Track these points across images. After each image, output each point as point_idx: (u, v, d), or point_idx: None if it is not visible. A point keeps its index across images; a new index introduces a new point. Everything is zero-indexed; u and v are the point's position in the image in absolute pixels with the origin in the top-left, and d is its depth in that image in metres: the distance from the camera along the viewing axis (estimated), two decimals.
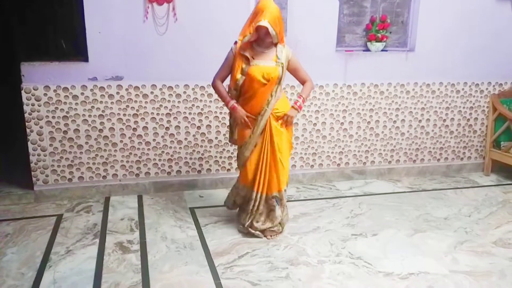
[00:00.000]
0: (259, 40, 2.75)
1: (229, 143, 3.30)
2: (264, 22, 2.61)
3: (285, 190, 3.00)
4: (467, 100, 4.28)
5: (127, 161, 3.66)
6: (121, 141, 3.61)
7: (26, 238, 2.98)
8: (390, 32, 4.01)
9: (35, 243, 2.91)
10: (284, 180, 2.96)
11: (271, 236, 3.01)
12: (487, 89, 4.30)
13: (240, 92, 2.87)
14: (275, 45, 2.80)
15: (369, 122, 4.09)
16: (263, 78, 2.76)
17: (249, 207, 2.99)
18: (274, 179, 2.92)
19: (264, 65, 2.77)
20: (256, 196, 2.95)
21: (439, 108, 4.22)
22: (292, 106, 2.90)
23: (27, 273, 2.57)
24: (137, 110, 3.58)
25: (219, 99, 3.08)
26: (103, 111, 3.51)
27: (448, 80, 4.17)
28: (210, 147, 3.79)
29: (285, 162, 2.93)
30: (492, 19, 4.11)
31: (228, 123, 3.23)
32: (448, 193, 3.93)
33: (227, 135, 3.79)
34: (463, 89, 4.24)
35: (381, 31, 3.91)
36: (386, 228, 3.21)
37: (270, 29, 2.64)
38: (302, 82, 2.99)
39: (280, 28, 2.73)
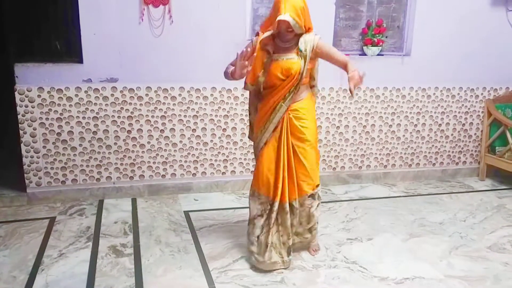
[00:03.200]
0: (281, 34, 2.53)
1: (249, 139, 2.98)
2: (284, 16, 2.38)
3: (310, 195, 2.68)
4: (463, 105, 4.29)
5: (121, 164, 3.63)
6: (115, 144, 3.58)
7: (18, 241, 2.94)
8: (386, 37, 4.02)
9: (27, 246, 2.87)
10: (311, 182, 2.66)
11: (314, 250, 2.83)
12: (482, 94, 4.32)
13: (261, 92, 2.67)
14: (299, 36, 2.55)
15: (364, 126, 4.09)
16: (282, 74, 2.52)
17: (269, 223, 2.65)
18: (300, 182, 2.64)
19: (285, 59, 2.53)
20: (273, 204, 2.63)
21: (435, 112, 4.23)
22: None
23: (19, 276, 2.54)
24: (132, 113, 3.55)
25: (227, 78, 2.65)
26: (97, 113, 3.49)
27: (444, 84, 4.18)
28: (205, 150, 3.78)
29: (307, 162, 2.63)
30: (487, 24, 4.13)
31: (248, 122, 2.96)
32: (443, 197, 3.93)
33: (222, 138, 3.78)
34: (458, 94, 4.25)
35: (377, 35, 3.91)
36: (381, 232, 3.20)
37: (293, 23, 2.41)
38: (344, 66, 2.57)
39: (306, 17, 2.50)
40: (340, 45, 3.99)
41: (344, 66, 2.56)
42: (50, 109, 3.39)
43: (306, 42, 2.53)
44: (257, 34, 2.64)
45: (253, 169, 3.88)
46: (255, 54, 2.55)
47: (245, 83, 2.64)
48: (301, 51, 2.52)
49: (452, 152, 4.41)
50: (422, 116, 4.21)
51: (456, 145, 4.40)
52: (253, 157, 3.84)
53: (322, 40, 2.59)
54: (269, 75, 2.56)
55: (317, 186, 2.73)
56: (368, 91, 4.01)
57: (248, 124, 2.94)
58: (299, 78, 2.53)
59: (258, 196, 2.69)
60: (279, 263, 2.64)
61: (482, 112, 4.36)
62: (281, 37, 2.55)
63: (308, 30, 2.58)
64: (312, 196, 2.70)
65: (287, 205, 2.64)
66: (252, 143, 2.89)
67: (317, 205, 2.75)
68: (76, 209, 3.46)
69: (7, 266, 2.64)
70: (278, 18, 2.41)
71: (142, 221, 3.28)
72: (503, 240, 3.14)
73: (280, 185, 2.61)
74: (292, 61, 2.52)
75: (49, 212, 3.40)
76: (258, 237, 2.67)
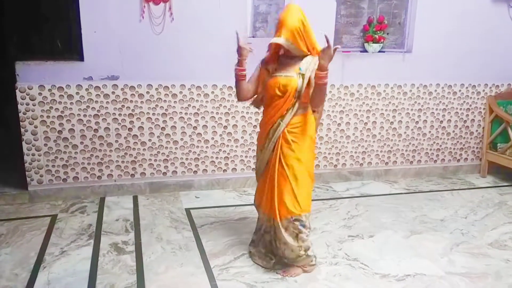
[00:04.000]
0: (284, 53, 2.52)
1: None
2: (277, 39, 2.39)
3: (306, 216, 2.54)
4: (464, 101, 4.28)
5: (123, 161, 3.64)
6: (117, 141, 3.58)
7: (20, 238, 2.95)
8: (388, 33, 4.00)
9: (29, 244, 2.88)
10: (304, 203, 2.52)
11: (310, 266, 2.63)
12: (483, 90, 4.31)
13: (263, 109, 2.67)
14: (303, 56, 2.51)
15: (366, 123, 4.09)
16: (279, 90, 2.48)
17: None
18: (289, 201, 2.49)
19: (283, 76, 2.49)
20: (270, 221, 2.60)
21: (436, 109, 4.22)
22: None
23: (21, 274, 2.55)
24: (133, 110, 3.55)
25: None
26: (98, 110, 3.49)
27: (445, 81, 4.17)
28: (206, 147, 3.78)
29: (300, 181, 2.50)
30: (489, 21, 4.11)
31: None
32: (445, 194, 3.93)
33: (223, 136, 3.78)
34: (460, 90, 4.24)
35: (378, 32, 3.90)
36: (382, 229, 3.20)
37: (286, 45, 2.40)
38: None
39: (306, 39, 2.45)
40: (341, 42, 3.98)
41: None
42: (51, 107, 3.40)
43: (309, 63, 2.49)
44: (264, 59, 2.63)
45: (254, 167, 3.89)
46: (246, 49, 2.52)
47: (254, 100, 2.69)
48: (300, 69, 2.48)
49: (454, 149, 4.40)
50: (423, 113, 4.20)
51: (458, 142, 4.39)
52: (254, 154, 3.86)
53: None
54: (266, 89, 2.55)
55: (305, 212, 2.53)
56: (369, 88, 4.00)
57: (256, 124, 2.95)
58: (296, 96, 2.48)
59: (262, 214, 2.69)
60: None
61: (484, 108, 4.35)
62: (287, 53, 2.51)
63: (312, 50, 2.52)
64: (298, 220, 2.51)
65: (279, 224, 2.52)
66: (256, 141, 2.85)
67: (306, 235, 2.55)
68: (78, 206, 3.47)
69: (9, 263, 2.65)
70: (271, 41, 2.44)
71: (144, 219, 3.28)
72: (504, 236, 3.14)
73: (274, 202, 2.52)
74: (290, 78, 2.48)
75: (50, 210, 3.41)
76: (263, 251, 2.71)
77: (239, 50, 2.51)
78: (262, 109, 2.69)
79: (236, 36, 2.49)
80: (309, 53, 2.51)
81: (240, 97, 2.63)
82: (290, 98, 2.48)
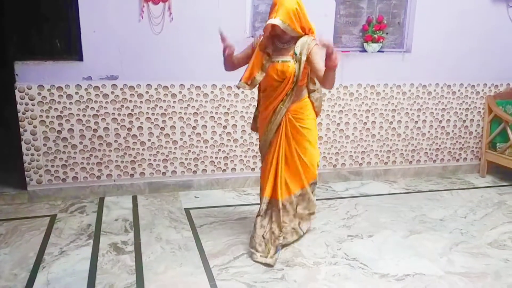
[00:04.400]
0: (278, 35, 2.54)
1: (251, 131, 3.11)
2: (274, 20, 2.41)
3: (311, 184, 2.86)
4: (463, 101, 4.29)
5: (122, 161, 3.63)
6: (116, 141, 3.58)
7: (19, 238, 2.94)
8: (387, 33, 4.00)
9: (28, 244, 2.88)
10: (308, 176, 2.81)
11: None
12: (483, 90, 4.31)
13: (259, 89, 2.77)
14: (298, 38, 2.56)
15: (365, 123, 4.09)
16: (277, 76, 2.56)
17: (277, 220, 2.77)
18: (296, 178, 2.77)
19: (281, 61, 2.56)
20: (270, 202, 2.77)
21: (435, 109, 4.23)
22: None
23: (20, 274, 2.55)
24: (132, 110, 3.55)
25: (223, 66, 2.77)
26: (97, 110, 3.49)
27: (444, 81, 4.17)
28: (206, 147, 3.77)
29: (307, 159, 2.74)
30: (488, 21, 4.12)
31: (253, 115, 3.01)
32: (444, 194, 3.93)
33: (223, 136, 3.78)
34: (459, 90, 4.24)
35: (377, 32, 3.90)
36: (382, 229, 3.20)
37: (283, 26, 2.42)
38: (320, 79, 2.51)
39: (301, 20, 2.50)
40: (340, 41, 3.98)
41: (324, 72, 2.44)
42: (50, 107, 3.39)
43: (303, 45, 2.54)
44: (260, 36, 2.66)
45: (253, 166, 3.89)
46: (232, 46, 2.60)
47: (240, 80, 2.63)
48: (296, 54, 2.53)
49: (453, 148, 4.40)
50: (422, 113, 4.21)
51: (457, 141, 4.40)
52: (253, 154, 3.87)
53: (318, 48, 2.52)
54: (266, 76, 2.60)
55: (315, 178, 2.88)
56: (368, 88, 4.00)
57: (252, 116, 3.02)
58: (294, 81, 2.56)
59: (260, 197, 2.84)
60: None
61: (483, 108, 4.35)
62: (278, 38, 2.57)
63: (308, 31, 2.58)
64: (313, 184, 2.88)
65: (279, 203, 2.74)
66: (255, 141, 2.94)
67: (313, 191, 2.92)
68: (77, 206, 3.47)
69: (8, 264, 2.64)
70: (268, 22, 2.46)
71: (143, 219, 3.28)
72: (503, 236, 3.14)
73: (278, 183, 2.72)
74: (287, 64, 2.55)
75: (49, 209, 3.41)
76: (263, 236, 2.77)
77: (224, 48, 2.57)
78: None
79: (220, 36, 2.54)
80: (304, 33, 2.56)
81: (228, 67, 2.75)
82: (289, 84, 2.57)
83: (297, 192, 2.82)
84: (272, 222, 2.78)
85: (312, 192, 2.90)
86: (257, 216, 2.79)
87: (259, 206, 2.83)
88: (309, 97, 2.76)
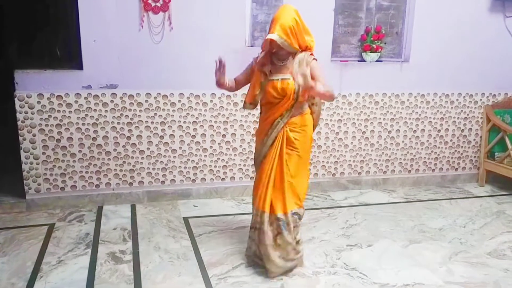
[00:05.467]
0: (275, 53, 2.57)
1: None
2: (271, 35, 2.45)
3: (294, 214, 2.63)
4: (462, 110, 4.30)
5: (121, 170, 3.63)
6: (115, 150, 3.58)
7: (17, 247, 2.93)
8: (385, 43, 4.03)
9: (26, 253, 2.86)
10: (291, 201, 2.61)
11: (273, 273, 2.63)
12: (481, 100, 4.33)
13: (261, 102, 2.74)
14: (295, 55, 2.59)
15: (364, 132, 4.10)
16: (277, 94, 2.57)
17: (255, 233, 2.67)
18: (279, 198, 2.60)
19: (280, 79, 2.56)
20: (258, 214, 2.64)
21: (434, 118, 4.24)
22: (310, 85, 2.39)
23: (18, 283, 2.53)
24: (131, 119, 3.56)
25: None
26: (97, 119, 3.49)
27: (443, 90, 4.19)
28: (205, 156, 3.77)
29: (294, 180, 2.62)
30: (486, 31, 4.15)
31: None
32: (443, 203, 3.93)
33: (222, 145, 3.78)
34: (457, 99, 4.26)
35: (376, 41, 3.93)
36: (381, 238, 3.19)
37: (280, 41, 2.44)
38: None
39: (298, 36, 2.52)
40: (339, 51, 4.00)
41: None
42: (49, 116, 3.40)
43: (301, 61, 2.58)
44: (257, 57, 2.70)
45: (252, 175, 3.89)
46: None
47: (245, 102, 2.72)
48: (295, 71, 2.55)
49: (452, 158, 4.41)
50: (421, 122, 4.22)
51: (456, 151, 4.41)
52: (252, 163, 3.86)
53: (316, 63, 2.60)
54: (265, 94, 2.63)
55: (300, 207, 2.67)
56: (367, 97, 4.02)
57: (253, 132, 3.06)
58: (295, 98, 2.57)
59: (253, 209, 2.74)
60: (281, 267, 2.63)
61: (481, 118, 4.37)
62: (276, 55, 2.60)
63: (305, 48, 2.61)
64: (295, 215, 2.64)
65: (272, 217, 2.60)
66: (254, 150, 2.91)
67: (294, 228, 2.65)
68: (75, 215, 3.46)
69: (6, 273, 2.63)
70: (265, 38, 2.51)
71: (141, 228, 3.27)
72: (503, 246, 3.13)
73: (268, 197, 2.61)
74: (287, 82, 2.56)
75: (48, 218, 3.39)
76: (254, 251, 2.72)
77: (216, 75, 2.61)
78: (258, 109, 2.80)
79: (215, 64, 2.57)
80: (300, 50, 2.59)
81: (231, 90, 2.79)
82: (290, 101, 2.58)
83: (280, 215, 2.59)
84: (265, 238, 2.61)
85: (290, 228, 2.59)
86: (250, 228, 2.74)
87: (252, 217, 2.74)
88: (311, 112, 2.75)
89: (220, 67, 2.57)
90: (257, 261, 2.73)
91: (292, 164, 2.63)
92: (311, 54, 2.63)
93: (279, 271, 2.63)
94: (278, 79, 2.58)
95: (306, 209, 3.66)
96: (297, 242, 2.70)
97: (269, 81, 2.59)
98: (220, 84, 2.65)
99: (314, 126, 2.82)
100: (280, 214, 2.59)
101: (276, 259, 2.59)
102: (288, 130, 2.63)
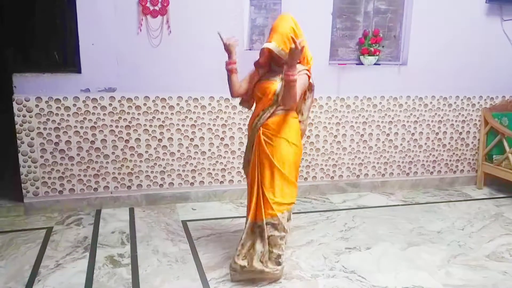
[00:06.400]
0: (274, 59, 2.57)
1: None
2: (268, 44, 2.47)
3: (267, 222, 2.51)
4: (459, 113, 4.31)
5: (119, 173, 3.63)
6: (113, 153, 3.58)
7: (15, 251, 2.92)
8: (383, 46, 4.04)
9: (24, 257, 2.85)
10: (274, 205, 2.51)
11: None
12: (478, 103, 4.34)
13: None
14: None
15: (362, 135, 4.10)
16: (259, 92, 2.61)
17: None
18: (260, 204, 2.53)
19: (268, 80, 2.60)
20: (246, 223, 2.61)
21: (432, 121, 4.25)
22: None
23: (15, 287, 2.52)
24: (130, 122, 3.56)
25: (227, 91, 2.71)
26: (95, 122, 3.49)
27: (440, 93, 4.20)
28: (203, 159, 3.77)
29: (267, 187, 2.53)
30: (483, 34, 4.16)
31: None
32: (441, 206, 3.93)
33: (220, 148, 3.78)
34: (455, 102, 4.27)
35: (373, 45, 3.94)
36: (379, 241, 3.19)
37: (276, 50, 2.46)
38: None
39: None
40: (337, 54, 4.01)
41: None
42: (48, 119, 3.39)
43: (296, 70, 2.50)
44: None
45: None
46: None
47: (242, 99, 2.77)
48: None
49: (450, 160, 4.42)
50: (419, 125, 4.23)
51: (454, 153, 4.41)
52: None
53: (305, 77, 2.53)
54: (252, 93, 2.69)
55: (283, 210, 2.54)
56: (365, 100, 4.02)
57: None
58: (274, 99, 2.54)
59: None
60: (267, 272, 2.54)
61: (479, 120, 4.38)
62: (274, 61, 2.61)
63: (303, 60, 2.57)
64: (269, 225, 2.52)
65: (255, 225, 2.56)
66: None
67: (280, 237, 2.55)
68: (74, 219, 3.45)
69: (3, 277, 2.62)
70: (263, 46, 2.53)
71: (140, 231, 3.26)
72: (501, 248, 3.14)
73: (252, 204, 2.57)
74: (271, 82, 2.59)
75: (46, 222, 3.38)
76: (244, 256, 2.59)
77: (226, 47, 2.59)
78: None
79: (219, 37, 2.57)
80: (298, 61, 2.51)
81: (232, 93, 2.67)
82: (268, 99, 2.56)
83: (258, 221, 2.53)
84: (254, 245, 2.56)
85: (266, 235, 2.48)
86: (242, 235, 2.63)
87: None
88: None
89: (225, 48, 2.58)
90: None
91: (266, 175, 2.53)
92: (308, 70, 2.58)
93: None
94: (267, 79, 2.62)
95: (305, 212, 3.69)
96: (271, 253, 2.55)
97: (259, 81, 2.65)
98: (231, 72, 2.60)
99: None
100: (259, 222, 2.53)
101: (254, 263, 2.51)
102: (261, 133, 2.57)
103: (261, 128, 2.58)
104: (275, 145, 2.54)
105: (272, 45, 2.47)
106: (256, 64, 2.67)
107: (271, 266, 2.54)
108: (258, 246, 2.52)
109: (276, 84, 2.56)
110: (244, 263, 2.54)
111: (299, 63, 2.56)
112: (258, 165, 2.58)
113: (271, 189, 2.53)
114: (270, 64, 2.65)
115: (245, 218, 3.39)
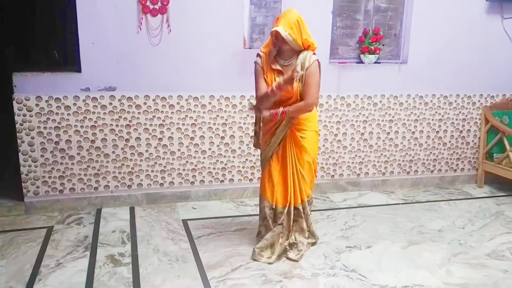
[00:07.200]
0: (280, 52, 2.67)
1: (254, 148, 3.24)
2: (277, 27, 2.56)
3: (307, 201, 2.90)
4: (460, 112, 4.31)
5: (119, 172, 3.62)
6: (113, 152, 3.58)
7: (15, 250, 2.92)
8: (383, 45, 4.04)
9: (24, 256, 2.85)
10: (303, 192, 2.85)
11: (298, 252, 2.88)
12: (479, 101, 4.34)
13: None
14: (298, 54, 2.68)
15: (362, 134, 4.10)
16: (283, 96, 2.65)
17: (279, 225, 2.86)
18: (296, 191, 2.83)
19: (282, 67, 2.69)
20: (281, 210, 2.85)
21: (432, 119, 4.25)
22: (276, 112, 2.65)
23: (16, 286, 2.52)
24: (130, 121, 3.55)
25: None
26: (95, 121, 3.49)
27: (441, 92, 4.20)
28: (204, 158, 3.77)
29: (305, 173, 2.82)
30: (483, 32, 4.16)
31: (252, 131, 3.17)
32: (442, 205, 3.93)
33: (221, 147, 3.78)
34: (455, 101, 4.27)
35: (374, 43, 3.94)
36: (380, 240, 3.19)
37: (284, 34, 2.55)
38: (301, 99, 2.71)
39: (302, 32, 2.61)
40: (337, 53, 4.01)
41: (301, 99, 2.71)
42: (48, 118, 3.39)
43: (304, 60, 2.66)
44: (258, 55, 2.76)
45: (251, 177, 3.89)
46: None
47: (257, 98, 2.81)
48: (298, 72, 2.62)
49: (450, 159, 4.42)
50: (419, 123, 4.22)
51: (454, 152, 4.41)
52: (251, 165, 3.87)
53: (316, 67, 2.68)
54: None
55: (303, 200, 2.89)
56: (365, 99, 4.02)
57: (253, 132, 3.06)
58: (299, 99, 2.70)
59: (263, 201, 2.89)
60: (266, 258, 2.84)
61: (480, 119, 4.37)
62: (280, 54, 2.67)
63: (308, 47, 2.69)
64: (308, 202, 2.93)
65: (291, 209, 2.83)
66: (253, 152, 2.99)
67: (307, 213, 2.95)
68: (74, 218, 3.45)
69: (4, 276, 2.62)
70: (271, 30, 2.61)
71: (140, 230, 3.26)
72: (502, 247, 3.14)
73: (289, 191, 2.82)
74: (289, 79, 2.59)
75: (46, 221, 3.39)
76: (264, 236, 2.89)
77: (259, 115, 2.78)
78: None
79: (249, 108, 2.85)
80: (303, 48, 2.67)
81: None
82: (295, 101, 2.69)
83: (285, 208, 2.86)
84: (283, 228, 2.87)
85: (292, 218, 2.87)
86: (263, 218, 2.92)
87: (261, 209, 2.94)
88: None
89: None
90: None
91: (305, 166, 2.81)
92: (314, 54, 2.70)
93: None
94: (280, 68, 2.69)
95: None
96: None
97: (272, 72, 2.70)
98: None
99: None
100: (298, 204, 2.86)
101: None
102: (294, 128, 2.76)
103: (291, 123, 2.75)
104: (309, 138, 2.81)
105: (280, 28, 2.56)
106: (269, 63, 2.70)
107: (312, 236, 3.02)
108: (302, 224, 2.89)
109: (297, 84, 2.64)
110: (292, 240, 2.89)
111: (306, 49, 2.67)
112: (292, 157, 2.79)
113: (303, 178, 2.83)
114: (277, 60, 2.72)
115: (245, 217, 3.44)
